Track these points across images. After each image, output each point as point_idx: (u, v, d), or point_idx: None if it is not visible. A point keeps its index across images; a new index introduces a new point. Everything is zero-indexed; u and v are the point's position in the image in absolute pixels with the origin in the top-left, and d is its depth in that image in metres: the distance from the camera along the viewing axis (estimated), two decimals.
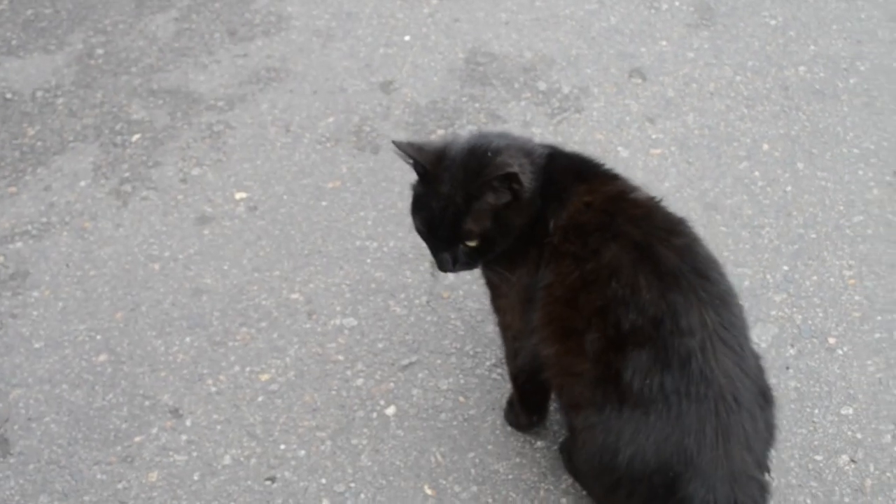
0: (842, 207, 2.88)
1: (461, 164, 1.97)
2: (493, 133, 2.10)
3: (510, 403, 2.35)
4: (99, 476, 2.26)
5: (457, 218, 1.94)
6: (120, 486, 2.24)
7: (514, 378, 2.25)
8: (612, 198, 1.97)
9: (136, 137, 3.13)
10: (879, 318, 2.59)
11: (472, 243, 1.97)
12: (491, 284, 2.16)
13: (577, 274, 1.90)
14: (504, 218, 1.96)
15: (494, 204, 1.93)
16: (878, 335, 2.55)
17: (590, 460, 1.94)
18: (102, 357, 2.50)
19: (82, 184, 2.97)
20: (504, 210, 1.95)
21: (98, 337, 2.54)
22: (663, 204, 2.01)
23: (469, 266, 2.05)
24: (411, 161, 2.01)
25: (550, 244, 1.96)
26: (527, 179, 1.95)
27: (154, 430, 2.34)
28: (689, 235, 1.95)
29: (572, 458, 2.17)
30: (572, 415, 1.99)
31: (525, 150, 2.03)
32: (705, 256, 1.93)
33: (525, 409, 2.28)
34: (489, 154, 1.97)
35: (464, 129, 3.13)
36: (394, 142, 2.02)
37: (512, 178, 1.91)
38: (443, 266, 2.04)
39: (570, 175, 2.03)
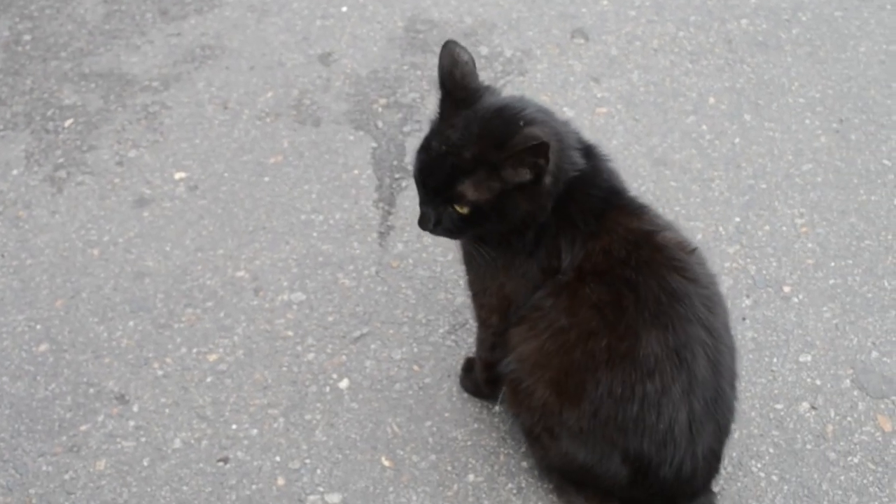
0: (790, 157, 2.86)
1: (482, 119, 1.75)
2: (535, 103, 1.84)
3: (465, 370, 2.30)
4: (44, 468, 2.18)
5: (454, 174, 1.73)
6: (67, 476, 2.16)
7: (487, 366, 2.12)
8: (637, 244, 1.80)
9: (68, 122, 3.04)
10: (833, 264, 2.57)
11: (461, 210, 1.76)
12: (473, 279, 2.03)
13: (605, 343, 1.76)
14: (510, 199, 1.75)
15: (509, 180, 1.72)
16: (832, 281, 2.53)
17: (550, 466, 2.05)
18: (43, 346, 2.41)
19: (14, 172, 2.87)
20: (514, 191, 1.74)
21: (38, 326, 2.46)
22: (697, 254, 1.87)
23: (450, 235, 1.84)
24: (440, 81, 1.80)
25: (563, 279, 1.83)
26: (553, 163, 1.75)
27: (100, 418, 2.27)
28: (721, 328, 1.84)
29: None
30: (544, 436, 1.94)
31: (561, 137, 1.80)
32: (729, 367, 1.87)
33: (489, 385, 2.20)
34: (521, 122, 1.74)
35: (406, 97, 3.07)
36: (448, 43, 1.80)
37: (542, 150, 1.67)
38: (421, 222, 1.83)
39: (592, 200, 1.84)
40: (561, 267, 1.83)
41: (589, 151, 1.88)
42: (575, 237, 1.82)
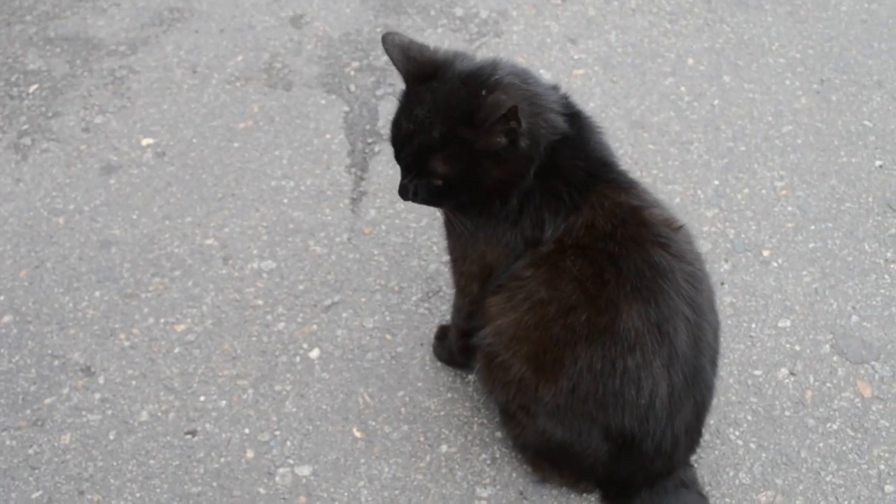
0: (770, 118, 2.81)
1: (449, 91, 1.69)
2: (510, 65, 1.75)
3: (438, 338, 2.25)
4: (8, 442, 2.12)
5: (424, 150, 1.70)
6: (31, 451, 2.11)
7: (463, 334, 2.07)
8: (623, 219, 1.74)
9: (33, 88, 2.96)
10: (813, 227, 2.53)
11: (434, 181, 1.73)
12: (454, 246, 1.97)
13: (585, 317, 1.71)
14: (482, 167, 1.70)
15: (484, 150, 1.67)
16: (812, 245, 2.49)
17: (526, 444, 1.99)
18: (6, 318, 2.35)
19: None
20: (486, 158, 1.69)
21: (1, 297, 2.39)
22: (684, 231, 1.81)
23: (429, 203, 1.81)
24: (396, 67, 1.76)
25: (543, 250, 1.77)
26: (527, 127, 1.68)
27: (65, 391, 2.21)
28: (705, 305, 1.79)
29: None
30: (519, 414, 1.89)
31: (535, 100, 1.73)
32: (710, 345, 1.82)
33: (463, 353, 2.15)
34: (482, 91, 1.67)
35: (379, 59, 3.00)
36: (385, 36, 1.76)
37: (511, 114, 1.61)
38: (400, 192, 1.79)
39: (579, 172, 1.77)
40: (543, 238, 1.78)
41: (576, 118, 1.81)
42: (559, 209, 1.77)
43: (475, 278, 1.93)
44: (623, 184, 1.83)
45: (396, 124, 1.76)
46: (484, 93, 1.67)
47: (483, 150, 1.67)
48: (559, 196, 1.77)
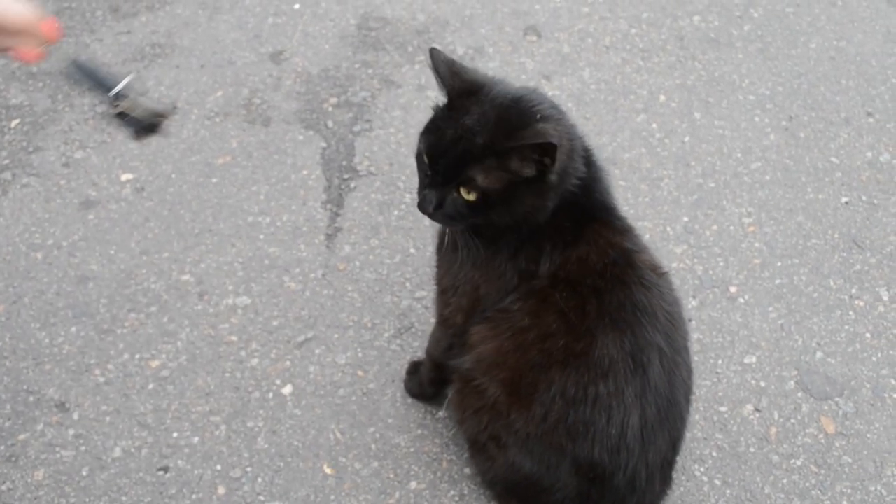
0: (739, 155, 2.86)
1: (499, 106, 1.71)
2: (550, 99, 1.80)
3: (409, 373, 2.28)
4: None
5: (465, 157, 1.69)
6: (3, 487, 2.13)
7: (437, 365, 2.10)
8: (614, 259, 1.78)
9: (15, 123, 2.99)
10: (779, 263, 2.57)
11: (468, 195, 1.72)
12: (444, 275, 1.97)
13: (562, 343, 1.74)
14: (516, 191, 1.71)
15: (515, 171, 1.69)
16: (778, 281, 2.53)
17: (494, 479, 2.00)
18: None
19: None
20: (521, 183, 1.70)
21: None
22: (667, 278, 1.86)
23: (451, 220, 1.78)
24: (440, 81, 1.79)
25: (536, 284, 1.80)
26: (562, 163, 1.72)
27: (39, 427, 2.24)
28: (681, 343, 1.84)
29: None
30: (490, 445, 1.91)
31: (573, 140, 1.78)
32: (684, 382, 1.84)
33: (433, 385, 2.20)
34: (537, 116, 1.71)
35: (356, 95, 3.04)
36: (432, 50, 1.79)
37: (549, 150, 1.64)
38: (423, 205, 1.77)
39: (581, 211, 1.81)
40: (538, 272, 1.81)
41: (589, 162, 1.85)
42: (556, 245, 1.80)
43: (462, 310, 1.94)
44: (620, 227, 1.87)
45: (435, 130, 1.75)
46: (538, 117, 1.71)
47: (514, 170, 1.69)
48: (559, 231, 1.80)
